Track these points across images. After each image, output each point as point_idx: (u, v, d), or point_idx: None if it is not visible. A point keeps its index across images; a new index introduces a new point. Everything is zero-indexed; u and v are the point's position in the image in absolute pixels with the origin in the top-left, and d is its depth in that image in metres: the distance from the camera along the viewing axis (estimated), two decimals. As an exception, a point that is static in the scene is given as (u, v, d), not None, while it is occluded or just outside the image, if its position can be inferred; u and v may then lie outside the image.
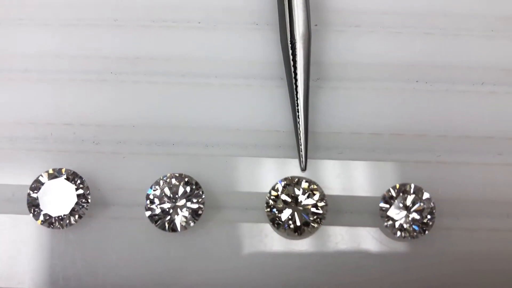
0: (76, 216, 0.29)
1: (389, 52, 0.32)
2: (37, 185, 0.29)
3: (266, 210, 0.29)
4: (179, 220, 0.29)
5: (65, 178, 0.29)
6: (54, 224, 0.29)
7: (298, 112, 0.29)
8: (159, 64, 0.31)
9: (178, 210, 0.29)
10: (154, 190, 0.29)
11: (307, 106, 0.29)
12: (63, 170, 0.29)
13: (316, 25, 0.32)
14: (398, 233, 0.29)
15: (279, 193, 0.29)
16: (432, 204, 0.29)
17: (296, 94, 0.29)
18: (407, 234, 0.29)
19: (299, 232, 0.29)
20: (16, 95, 0.31)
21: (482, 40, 0.32)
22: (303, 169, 0.30)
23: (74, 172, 0.29)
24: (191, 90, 0.31)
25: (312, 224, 0.29)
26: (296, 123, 0.29)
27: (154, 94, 0.31)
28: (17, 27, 0.32)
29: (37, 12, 0.32)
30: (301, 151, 0.29)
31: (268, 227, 0.30)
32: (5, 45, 0.32)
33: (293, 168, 0.30)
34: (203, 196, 0.29)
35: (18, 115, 0.31)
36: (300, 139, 0.29)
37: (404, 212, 0.29)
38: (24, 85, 0.31)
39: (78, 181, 0.29)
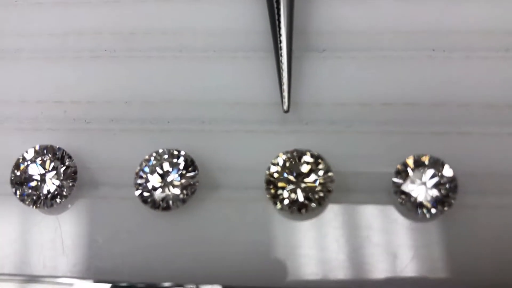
0: (62, 196, 0.27)
1: (399, 19, 0.29)
2: (21, 163, 0.27)
3: (266, 188, 0.26)
4: (171, 197, 0.26)
5: (51, 156, 0.27)
6: (38, 204, 0.27)
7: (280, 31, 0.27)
8: (155, 39, 0.30)
9: (170, 187, 0.26)
10: (144, 167, 0.27)
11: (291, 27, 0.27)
12: (50, 147, 0.27)
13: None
14: (415, 210, 0.26)
15: (280, 168, 0.26)
16: (453, 178, 0.26)
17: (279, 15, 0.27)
18: (426, 212, 0.26)
19: (303, 210, 0.26)
20: (6, 74, 0.30)
21: (505, 2, 0.29)
22: (286, 110, 0.27)
23: (61, 149, 0.27)
24: (187, 65, 0.29)
25: (317, 201, 0.26)
26: (277, 44, 0.27)
27: (148, 69, 0.29)
28: (9, 7, 0.31)
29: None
30: (284, 90, 0.27)
31: (269, 206, 0.27)
32: (-3, 25, 0.31)
33: (297, 144, 0.27)
34: (197, 172, 0.26)
35: (8, 94, 0.29)
36: (282, 75, 0.27)
37: (422, 187, 0.26)
38: (15, 64, 0.30)
39: (66, 159, 0.27)
